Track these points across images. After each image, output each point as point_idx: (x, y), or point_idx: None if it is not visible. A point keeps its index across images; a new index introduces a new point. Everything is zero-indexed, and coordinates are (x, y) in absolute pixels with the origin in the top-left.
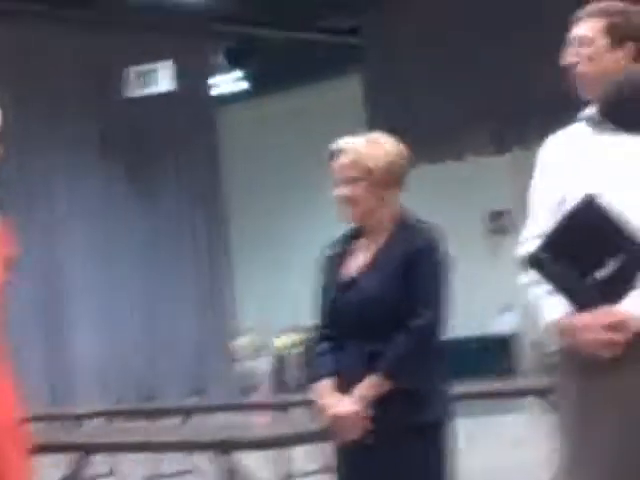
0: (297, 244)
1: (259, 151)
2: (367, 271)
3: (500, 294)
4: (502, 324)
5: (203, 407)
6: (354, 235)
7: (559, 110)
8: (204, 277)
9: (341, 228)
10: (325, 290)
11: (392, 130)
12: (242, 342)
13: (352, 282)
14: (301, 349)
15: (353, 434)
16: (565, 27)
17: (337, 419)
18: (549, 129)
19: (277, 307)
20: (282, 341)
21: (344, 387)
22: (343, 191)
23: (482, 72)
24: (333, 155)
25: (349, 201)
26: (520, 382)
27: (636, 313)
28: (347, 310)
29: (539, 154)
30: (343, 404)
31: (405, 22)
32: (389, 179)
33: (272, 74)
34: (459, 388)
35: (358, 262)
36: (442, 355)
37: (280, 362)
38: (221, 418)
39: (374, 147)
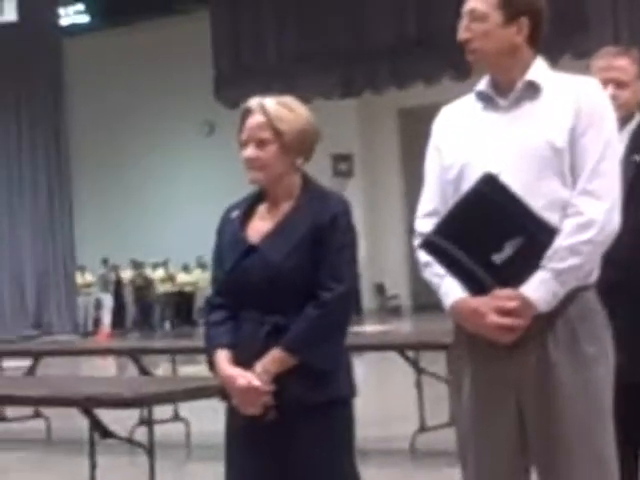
0: (142, 183)
1: (104, 86)
2: (271, 238)
3: None
4: None
5: (49, 350)
6: (257, 199)
7: (408, 55)
8: (43, 211)
9: (184, 166)
10: (223, 255)
11: (239, 67)
12: (86, 277)
13: (254, 249)
14: (140, 283)
15: (255, 410)
16: None
17: (239, 393)
18: (398, 73)
19: (119, 243)
20: (126, 275)
21: (240, 359)
22: (253, 153)
23: (331, 11)
24: (243, 114)
25: (258, 164)
26: None
27: (534, 297)
28: (247, 279)
29: (433, 126)
30: (245, 378)
31: None
32: (300, 145)
33: (116, 8)
34: None
35: (261, 228)
36: (347, 330)
37: (120, 297)
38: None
39: (287, 111)
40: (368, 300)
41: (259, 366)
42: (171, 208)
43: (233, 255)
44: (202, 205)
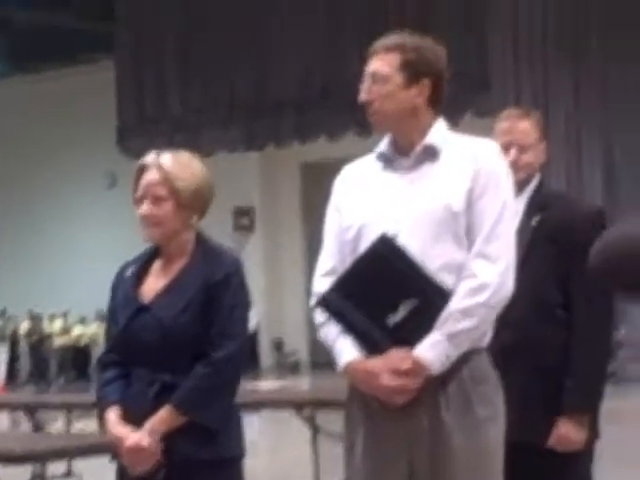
0: (43, 234)
1: (6, 134)
2: (163, 296)
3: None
4: None
5: None
6: (153, 256)
7: (312, 109)
8: None
9: (86, 217)
10: (116, 313)
11: (143, 118)
12: None
13: (146, 307)
14: (35, 336)
15: (143, 469)
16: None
17: (128, 453)
18: (302, 127)
19: (18, 294)
20: (23, 326)
21: (130, 418)
22: (148, 210)
23: (235, 64)
24: (139, 171)
25: (154, 221)
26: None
27: (427, 359)
28: (139, 337)
29: (333, 185)
30: (133, 438)
31: (154, 9)
32: (195, 203)
33: (22, 55)
34: None
35: (154, 286)
36: (237, 389)
37: (15, 350)
38: None
39: (183, 168)
40: (266, 356)
41: (148, 425)
42: (72, 259)
43: (125, 314)
44: (103, 257)
